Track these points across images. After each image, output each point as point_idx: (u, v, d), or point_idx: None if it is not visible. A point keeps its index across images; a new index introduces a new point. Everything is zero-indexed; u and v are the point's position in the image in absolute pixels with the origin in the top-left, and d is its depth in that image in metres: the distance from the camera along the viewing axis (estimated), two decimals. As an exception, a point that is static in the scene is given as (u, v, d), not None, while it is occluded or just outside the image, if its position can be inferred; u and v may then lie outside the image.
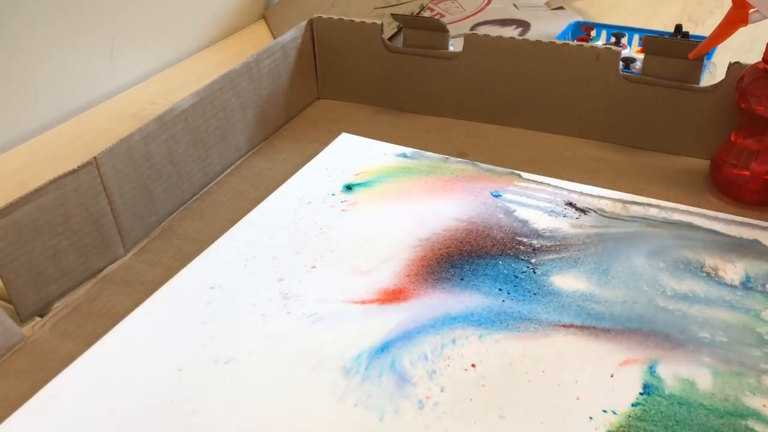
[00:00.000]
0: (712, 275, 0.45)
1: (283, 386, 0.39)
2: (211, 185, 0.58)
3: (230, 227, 0.52)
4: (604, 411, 0.37)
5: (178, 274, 0.47)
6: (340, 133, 0.63)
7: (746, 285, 0.44)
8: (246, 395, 0.38)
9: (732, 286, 0.44)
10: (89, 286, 0.48)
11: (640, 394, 0.37)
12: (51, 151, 0.64)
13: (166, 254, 0.50)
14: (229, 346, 0.41)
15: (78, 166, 0.46)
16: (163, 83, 0.77)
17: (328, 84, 0.71)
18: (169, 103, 0.54)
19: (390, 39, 0.74)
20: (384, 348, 0.41)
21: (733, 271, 0.45)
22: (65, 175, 0.45)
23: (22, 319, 0.44)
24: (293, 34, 0.66)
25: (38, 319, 0.45)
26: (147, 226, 0.52)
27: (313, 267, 0.47)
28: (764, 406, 0.36)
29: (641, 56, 0.64)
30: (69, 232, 0.46)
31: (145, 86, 0.76)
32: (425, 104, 0.67)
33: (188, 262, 0.48)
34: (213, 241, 0.50)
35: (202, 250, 0.50)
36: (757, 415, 0.36)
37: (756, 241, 0.48)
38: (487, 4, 0.86)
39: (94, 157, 0.47)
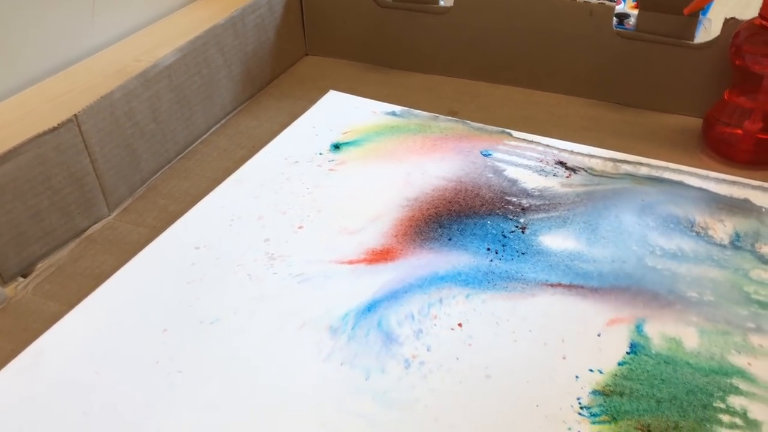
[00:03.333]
0: (702, 234, 0.45)
1: (269, 346, 0.39)
2: (196, 144, 0.57)
3: (216, 187, 0.51)
4: (591, 370, 0.37)
5: (163, 234, 0.47)
6: (327, 91, 0.62)
7: (735, 244, 0.44)
8: (231, 355, 0.38)
9: (721, 245, 0.44)
10: (73, 246, 0.47)
11: (626, 353, 0.37)
12: (31, 109, 0.63)
13: (150, 214, 0.50)
14: (215, 307, 0.41)
15: (58, 124, 0.45)
16: (147, 39, 0.75)
17: (316, 40, 0.69)
18: (154, 60, 0.52)
19: (379, -6, 0.73)
20: (371, 307, 0.41)
21: (723, 230, 0.45)
22: (45, 133, 0.44)
23: (4, 279, 0.44)
24: (280, -12, 0.64)
25: (21, 279, 0.44)
26: (131, 185, 0.51)
27: (300, 227, 0.47)
28: (749, 364, 0.36)
29: (635, 12, 0.63)
30: (50, 192, 0.45)
31: (129, 42, 0.74)
32: (415, 61, 0.66)
33: (173, 222, 0.48)
34: (198, 201, 0.50)
35: (187, 210, 0.49)
36: (741, 374, 0.36)
37: (746, 200, 0.47)
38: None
39: (75, 115, 0.46)
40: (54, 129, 0.44)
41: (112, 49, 0.73)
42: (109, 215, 0.49)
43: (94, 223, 0.49)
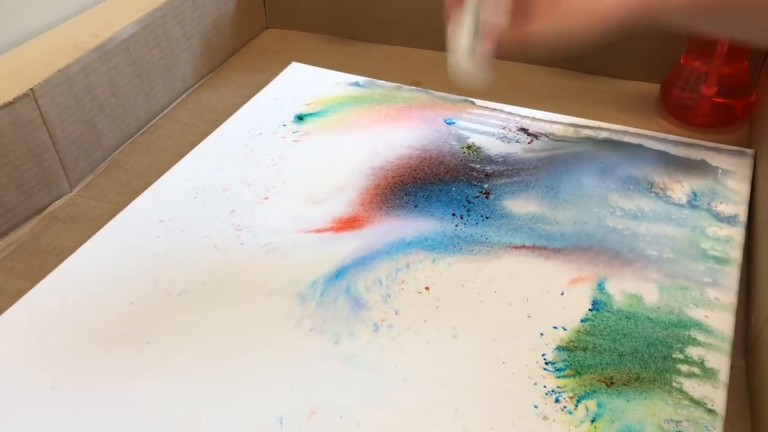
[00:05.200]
0: (661, 194, 0.46)
1: (237, 315, 0.39)
2: (157, 118, 0.56)
3: (179, 161, 0.51)
4: (555, 327, 0.37)
5: (127, 208, 0.46)
6: (290, 63, 0.62)
7: (692, 203, 0.45)
8: (200, 325, 0.38)
9: (679, 205, 0.45)
10: (34, 223, 0.46)
11: (589, 310, 0.38)
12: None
13: (113, 189, 0.49)
14: (182, 278, 0.41)
15: (13, 99, 0.44)
16: (105, 14, 0.73)
17: (277, 12, 0.69)
18: (111, 34, 0.51)
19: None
20: (339, 274, 0.41)
21: (681, 190, 0.46)
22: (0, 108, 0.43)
23: (-36, 258, 0.43)
24: (238, -41, 0.63)
25: (-18, 257, 0.44)
26: (92, 160, 0.50)
27: (266, 198, 0.47)
28: (706, 317, 0.38)
29: (594, -20, 0.64)
30: (8, 168, 0.44)
31: (87, 17, 0.72)
32: (378, 32, 0.66)
33: (137, 197, 0.47)
34: (161, 176, 0.49)
35: (151, 185, 0.48)
36: (699, 326, 0.37)
37: (703, 161, 0.49)
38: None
39: (31, 89, 0.45)
40: (9, 103, 0.43)
41: (69, 24, 0.71)
42: (70, 191, 0.49)
43: (56, 200, 0.48)
